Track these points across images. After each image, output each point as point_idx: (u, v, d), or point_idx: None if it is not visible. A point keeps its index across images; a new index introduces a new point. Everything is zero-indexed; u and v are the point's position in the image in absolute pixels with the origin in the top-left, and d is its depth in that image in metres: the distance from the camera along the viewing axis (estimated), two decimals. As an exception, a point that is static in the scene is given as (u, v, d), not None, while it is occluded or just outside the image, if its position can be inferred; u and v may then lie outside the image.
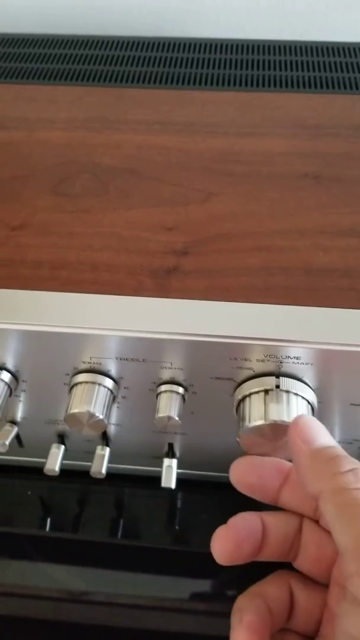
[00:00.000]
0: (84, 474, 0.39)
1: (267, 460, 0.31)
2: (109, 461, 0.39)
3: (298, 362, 0.31)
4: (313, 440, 0.26)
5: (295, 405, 0.31)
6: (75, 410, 0.32)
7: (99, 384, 0.33)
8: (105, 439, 0.39)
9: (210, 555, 0.39)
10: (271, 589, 0.28)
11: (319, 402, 0.32)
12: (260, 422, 0.30)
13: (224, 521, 0.29)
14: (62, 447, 0.39)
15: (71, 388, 0.33)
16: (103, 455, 0.38)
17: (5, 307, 0.32)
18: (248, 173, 0.41)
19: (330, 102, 0.49)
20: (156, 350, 0.31)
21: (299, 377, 0.31)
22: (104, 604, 0.40)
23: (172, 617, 0.40)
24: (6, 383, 0.34)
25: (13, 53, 0.58)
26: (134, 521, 0.42)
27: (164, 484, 0.38)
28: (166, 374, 0.33)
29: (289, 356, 0.30)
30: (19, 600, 0.41)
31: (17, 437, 0.40)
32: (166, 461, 0.39)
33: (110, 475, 0.39)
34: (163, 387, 0.33)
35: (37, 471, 0.39)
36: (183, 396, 0.33)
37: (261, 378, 0.31)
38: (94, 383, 0.33)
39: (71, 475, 0.41)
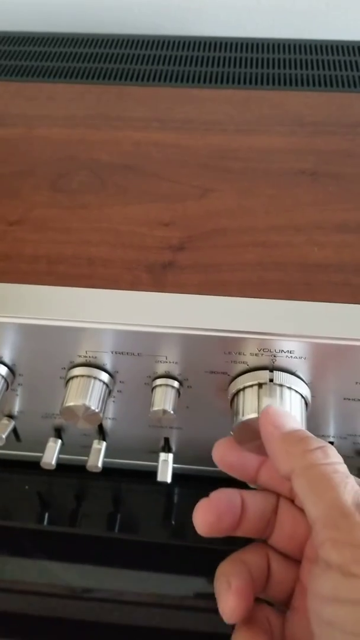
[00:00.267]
0: (81, 468, 0.39)
1: None
2: (106, 455, 0.39)
3: (292, 356, 0.31)
4: (283, 426, 0.28)
5: (289, 399, 0.31)
6: (71, 404, 0.33)
7: (95, 378, 0.33)
8: (101, 433, 0.39)
9: (205, 549, 0.39)
10: (251, 556, 0.29)
11: (312, 396, 0.32)
12: (253, 416, 0.30)
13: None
14: (59, 441, 0.39)
15: (67, 381, 0.34)
16: (99, 449, 0.39)
17: (3, 301, 0.32)
18: (245, 170, 0.42)
19: (329, 100, 0.50)
20: (151, 344, 0.32)
21: (293, 371, 0.32)
22: (100, 599, 0.40)
23: (168, 612, 0.40)
24: (3, 377, 0.34)
25: (13, 51, 0.58)
26: (131, 515, 0.42)
27: (159, 478, 0.38)
28: (161, 368, 0.33)
29: (282, 350, 0.31)
30: (15, 595, 0.41)
31: (15, 431, 0.40)
32: (162, 455, 0.39)
33: (107, 469, 0.39)
34: (158, 381, 0.33)
35: (34, 465, 0.39)
36: (178, 390, 0.33)
37: (255, 372, 0.32)
38: (89, 377, 0.33)
39: (68, 469, 0.41)
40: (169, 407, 0.33)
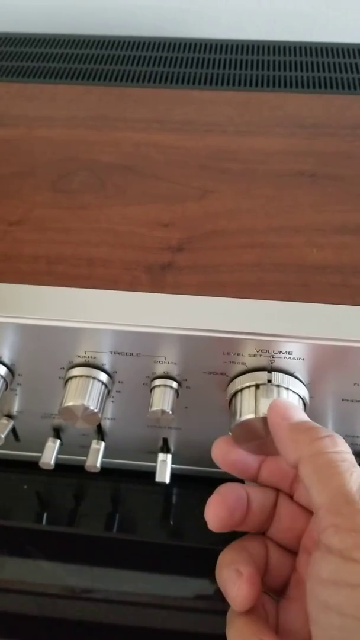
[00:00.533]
0: (80, 468, 0.39)
1: None
2: (104, 456, 0.39)
3: (290, 357, 0.31)
4: (291, 417, 0.28)
5: (287, 400, 0.31)
6: (70, 404, 0.33)
7: (94, 378, 0.33)
8: (100, 433, 0.39)
9: (203, 549, 0.40)
10: (252, 544, 0.30)
11: (310, 397, 0.32)
12: (251, 416, 0.30)
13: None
14: (58, 441, 0.39)
15: (66, 382, 0.34)
16: (98, 449, 0.39)
17: (2, 301, 0.32)
18: (244, 171, 0.42)
19: (328, 102, 0.50)
20: (150, 344, 0.32)
21: (291, 372, 0.32)
22: (98, 599, 0.40)
23: (165, 613, 0.40)
24: (2, 377, 0.34)
25: (15, 52, 0.58)
26: (129, 515, 0.42)
27: (158, 478, 0.38)
28: (160, 369, 0.33)
29: (281, 351, 0.31)
30: (12, 595, 0.41)
31: (13, 431, 0.40)
32: (161, 456, 0.39)
33: (106, 469, 0.39)
34: (157, 382, 0.33)
35: (33, 465, 0.40)
36: (176, 390, 0.33)
37: (253, 373, 0.32)
38: (88, 377, 0.33)
39: (67, 469, 0.41)
40: (168, 408, 0.33)
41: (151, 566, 0.41)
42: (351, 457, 0.26)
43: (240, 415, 0.31)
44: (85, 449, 0.39)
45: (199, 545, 0.40)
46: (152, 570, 0.41)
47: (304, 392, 0.32)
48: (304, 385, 0.32)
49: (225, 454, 0.32)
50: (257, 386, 0.31)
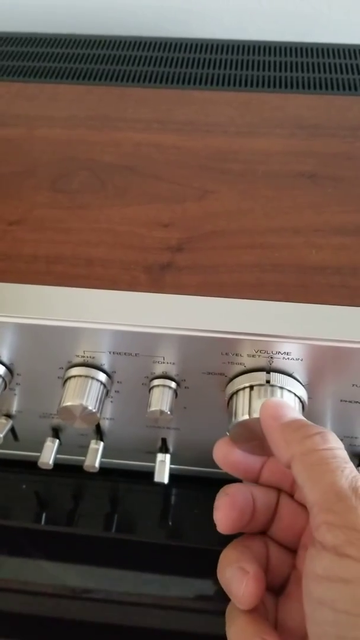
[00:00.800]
0: (78, 468, 0.39)
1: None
2: (103, 456, 0.39)
3: (289, 358, 0.31)
4: (282, 417, 0.28)
5: (279, 399, 0.31)
6: (68, 403, 0.33)
7: (92, 378, 0.33)
8: (99, 433, 0.39)
9: (202, 549, 0.40)
10: (253, 543, 0.30)
11: (309, 397, 0.32)
12: (249, 417, 0.30)
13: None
14: (57, 440, 0.39)
15: (65, 381, 0.34)
16: (97, 449, 0.39)
17: (1, 301, 0.32)
18: (244, 171, 0.42)
19: (329, 103, 0.50)
20: (149, 344, 0.32)
21: (290, 373, 0.32)
22: (97, 599, 0.40)
23: (163, 613, 0.40)
24: (1, 376, 0.34)
25: (15, 51, 0.58)
26: (128, 515, 0.42)
27: (157, 478, 0.38)
28: (159, 369, 0.33)
29: (279, 352, 0.31)
30: (11, 594, 0.41)
31: (12, 430, 0.40)
32: (159, 456, 0.39)
33: (104, 469, 0.39)
34: (155, 382, 0.33)
35: (31, 465, 0.40)
36: (175, 391, 0.33)
37: (252, 373, 0.32)
38: (87, 377, 0.33)
39: (65, 469, 0.41)
40: (166, 408, 0.33)
41: (150, 566, 0.41)
42: (343, 453, 0.26)
43: (240, 416, 0.31)
44: (84, 448, 0.39)
45: (198, 545, 0.40)
46: (150, 570, 0.41)
47: (302, 392, 0.32)
48: (303, 385, 0.32)
49: (227, 454, 0.32)
50: (251, 387, 0.31)
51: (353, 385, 0.32)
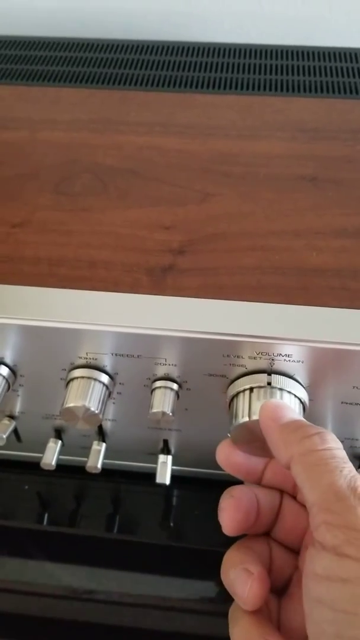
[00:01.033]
0: (81, 469, 0.39)
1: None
2: (105, 457, 0.39)
3: (290, 360, 0.31)
4: (281, 418, 0.28)
5: (287, 402, 0.31)
6: (71, 405, 0.33)
7: (95, 379, 0.34)
8: (101, 434, 0.39)
9: (203, 551, 0.40)
10: (256, 544, 0.30)
11: (310, 399, 0.33)
12: (249, 419, 0.30)
13: (217, 517, 0.30)
14: (59, 441, 0.39)
15: (68, 383, 0.34)
16: (99, 451, 0.39)
17: (4, 303, 0.33)
18: (245, 174, 0.42)
19: (330, 106, 0.50)
20: (151, 346, 0.32)
21: (291, 375, 0.32)
22: (98, 600, 0.40)
23: (163, 614, 0.40)
24: (4, 377, 0.35)
25: (18, 55, 0.59)
26: (130, 516, 0.43)
27: (158, 479, 0.39)
28: (160, 370, 0.33)
29: (280, 354, 0.31)
30: (13, 595, 0.41)
31: (15, 431, 0.40)
32: (161, 457, 0.39)
33: (106, 470, 0.40)
34: (157, 383, 0.34)
35: (34, 466, 0.40)
36: (177, 392, 0.34)
37: (253, 375, 0.32)
38: (89, 378, 0.34)
39: (68, 470, 0.42)
40: (168, 409, 0.33)
41: (151, 567, 0.41)
42: (341, 453, 0.26)
43: (241, 417, 0.31)
44: (86, 450, 0.39)
45: (199, 546, 0.41)
46: (152, 570, 0.41)
47: (303, 394, 0.32)
48: (304, 387, 0.32)
49: (229, 456, 0.32)
50: (257, 388, 0.31)
51: (354, 387, 0.32)
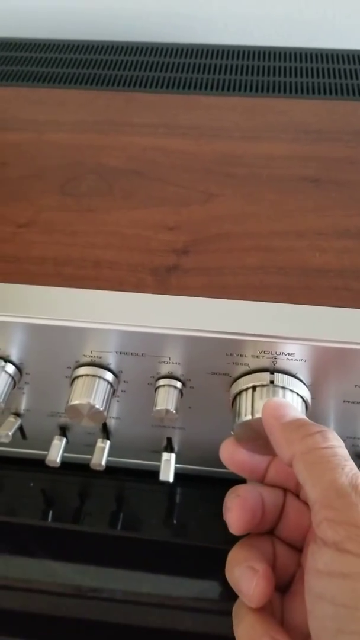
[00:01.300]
0: (85, 466, 0.40)
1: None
2: (109, 454, 0.39)
3: (292, 359, 0.31)
4: (284, 416, 0.28)
5: (289, 400, 0.32)
6: (76, 402, 0.33)
7: (100, 377, 0.34)
8: (105, 432, 0.40)
9: (206, 548, 0.40)
10: (260, 542, 0.31)
11: (312, 398, 0.33)
12: (252, 417, 0.31)
13: (220, 515, 0.31)
14: (64, 439, 0.40)
15: (72, 380, 0.34)
16: (103, 448, 0.39)
17: (11, 301, 0.33)
18: (249, 175, 0.42)
19: (333, 108, 0.50)
20: (155, 345, 0.32)
21: (293, 374, 0.32)
22: (102, 598, 0.40)
23: (170, 612, 0.40)
24: (10, 375, 0.35)
25: (24, 57, 0.59)
26: (133, 514, 0.43)
27: (162, 477, 0.39)
28: (164, 369, 0.34)
29: (283, 352, 0.31)
30: (17, 592, 0.41)
31: (21, 429, 0.41)
32: (165, 455, 0.40)
33: (110, 468, 0.40)
34: (161, 381, 0.34)
35: (39, 463, 0.40)
36: (180, 390, 0.34)
37: (256, 374, 0.32)
38: (94, 376, 0.34)
39: (72, 467, 0.42)
40: (172, 407, 0.33)
41: (154, 564, 0.41)
42: (343, 451, 0.26)
43: (244, 415, 0.31)
44: (90, 447, 0.40)
45: (202, 543, 0.41)
46: (155, 567, 0.41)
47: (306, 393, 0.32)
48: (306, 386, 0.33)
49: (233, 454, 0.32)
50: (260, 387, 0.32)
51: (356, 386, 0.32)
